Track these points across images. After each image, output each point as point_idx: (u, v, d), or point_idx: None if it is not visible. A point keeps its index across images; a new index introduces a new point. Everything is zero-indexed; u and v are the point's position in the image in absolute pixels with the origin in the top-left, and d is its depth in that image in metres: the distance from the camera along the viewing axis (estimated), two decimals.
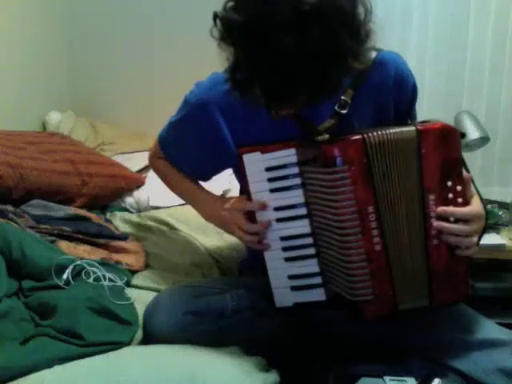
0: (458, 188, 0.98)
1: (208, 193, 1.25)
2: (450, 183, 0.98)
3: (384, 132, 0.97)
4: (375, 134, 0.97)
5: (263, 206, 1.06)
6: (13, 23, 2.20)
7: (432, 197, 0.98)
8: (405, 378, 1.01)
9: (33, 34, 2.35)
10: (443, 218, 0.98)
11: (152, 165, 1.39)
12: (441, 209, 0.98)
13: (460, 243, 0.99)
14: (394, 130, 0.98)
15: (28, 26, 2.31)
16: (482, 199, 1.03)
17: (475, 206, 1.00)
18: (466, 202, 0.99)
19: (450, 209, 0.98)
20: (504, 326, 1.10)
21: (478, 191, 1.04)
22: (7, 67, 2.14)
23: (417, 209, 0.99)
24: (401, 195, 0.99)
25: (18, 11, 2.23)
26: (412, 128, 0.98)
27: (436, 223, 0.99)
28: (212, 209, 1.20)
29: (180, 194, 1.34)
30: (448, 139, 0.97)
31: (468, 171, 1.01)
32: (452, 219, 0.98)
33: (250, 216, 1.08)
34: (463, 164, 1.00)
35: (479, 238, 1.01)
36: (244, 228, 1.09)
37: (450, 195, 0.98)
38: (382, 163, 0.97)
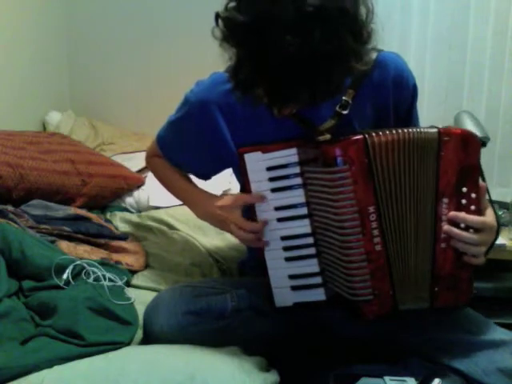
0: (473, 195, 0.97)
1: (203, 191, 1.24)
2: (465, 189, 0.97)
3: (394, 132, 0.97)
4: (380, 133, 0.97)
5: (261, 198, 1.05)
6: (13, 23, 2.19)
7: (445, 200, 0.98)
8: (405, 378, 1.01)
9: (33, 35, 2.35)
10: (454, 223, 0.98)
11: (148, 164, 1.39)
12: (453, 213, 0.98)
13: (467, 251, 0.98)
14: (411, 130, 0.97)
15: (28, 26, 2.31)
16: (495, 212, 1.02)
17: (488, 217, 0.99)
18: (479, 211, 0.98)
19: (462, 215, 0.97)
20: (504, 326, 1.10)
21: (491, 203, 1.02)
22: (7, 67, 2.14)
23: (428, 210, 0.99)
24: (410, 195, 0.98)
25: (18, 11, 2.23)
26: (434, 130, 0.97)
27: (446, 227, 0.98)
28: (207, 207, 1.19)
29: (175, 193, 1.33)
30: (468, 145, 0.97)
31: (484, 180, 1.00)
32: (463, 225, 0.97)
33: (251, 215, 1.08)
34: (480, 173, 0.99)
35: (488, 250, 1.00)
36: (241, 225, 1.09)
37: (464, 201, 0.97)
38: (388, 163, 0.97)
